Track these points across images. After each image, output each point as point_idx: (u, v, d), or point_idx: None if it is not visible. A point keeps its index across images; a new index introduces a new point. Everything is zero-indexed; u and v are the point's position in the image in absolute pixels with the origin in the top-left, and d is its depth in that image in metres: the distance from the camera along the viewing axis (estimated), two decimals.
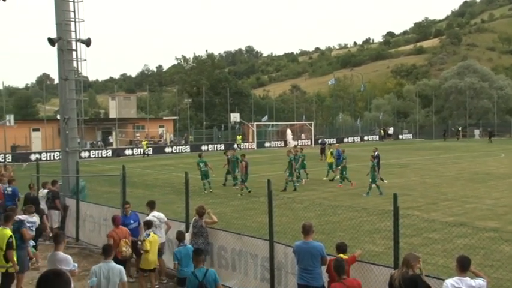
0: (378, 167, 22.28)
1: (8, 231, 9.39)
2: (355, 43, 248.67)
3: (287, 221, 13.78)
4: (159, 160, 42.26)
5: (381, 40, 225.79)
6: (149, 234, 9.99)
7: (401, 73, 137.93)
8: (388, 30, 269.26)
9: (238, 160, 23.50)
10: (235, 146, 53.50)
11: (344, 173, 23.95)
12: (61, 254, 7.92)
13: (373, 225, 13.63)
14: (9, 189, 15.50)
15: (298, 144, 60.63)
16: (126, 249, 9.76)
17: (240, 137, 56.61)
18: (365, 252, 10.80)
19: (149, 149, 49.91)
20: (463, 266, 6.12)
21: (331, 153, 26.04)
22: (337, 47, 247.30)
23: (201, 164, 23.17)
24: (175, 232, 9.72)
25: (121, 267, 7.76)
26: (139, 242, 10.40)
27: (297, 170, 23.40)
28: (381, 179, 22.08)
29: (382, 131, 73.66)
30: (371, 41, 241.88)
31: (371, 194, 20.55)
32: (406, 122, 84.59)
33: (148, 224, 10.27)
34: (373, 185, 20.86)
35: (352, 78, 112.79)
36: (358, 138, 70.36)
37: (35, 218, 11.60)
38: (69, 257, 8.02)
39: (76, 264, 8.14)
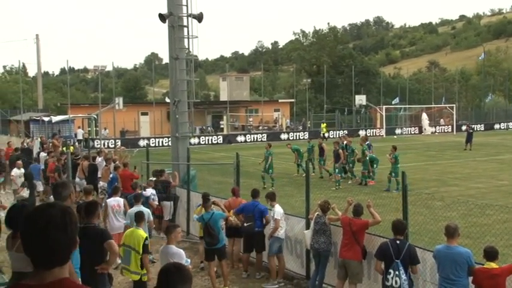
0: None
1: (143, 233, 9.19)
2: None
3: (423, 220, 13.38)
4: (273, 148, 42.83)
5: None
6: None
7: None
8: None
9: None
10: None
11: (352, 166, 24.29)
12: (174, 247, 8.42)
13: None
14: (111, 175, 16.68)
15: (435, 131, 58.30)
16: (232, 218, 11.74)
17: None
18: None
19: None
20: None
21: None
22: (489, 13, 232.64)
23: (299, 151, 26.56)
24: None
25: (149, 211, 11.53)
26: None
27: (350, 165, 24.09)
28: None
29: None
30: None
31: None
32: None
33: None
34: (393, 179, 21.24)
35: (507, 51, 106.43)
36: None
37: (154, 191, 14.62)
38: (182, 251, 8.50)
39: (189, 260, 8.60)
